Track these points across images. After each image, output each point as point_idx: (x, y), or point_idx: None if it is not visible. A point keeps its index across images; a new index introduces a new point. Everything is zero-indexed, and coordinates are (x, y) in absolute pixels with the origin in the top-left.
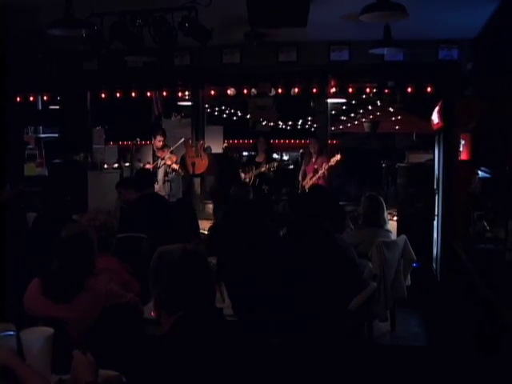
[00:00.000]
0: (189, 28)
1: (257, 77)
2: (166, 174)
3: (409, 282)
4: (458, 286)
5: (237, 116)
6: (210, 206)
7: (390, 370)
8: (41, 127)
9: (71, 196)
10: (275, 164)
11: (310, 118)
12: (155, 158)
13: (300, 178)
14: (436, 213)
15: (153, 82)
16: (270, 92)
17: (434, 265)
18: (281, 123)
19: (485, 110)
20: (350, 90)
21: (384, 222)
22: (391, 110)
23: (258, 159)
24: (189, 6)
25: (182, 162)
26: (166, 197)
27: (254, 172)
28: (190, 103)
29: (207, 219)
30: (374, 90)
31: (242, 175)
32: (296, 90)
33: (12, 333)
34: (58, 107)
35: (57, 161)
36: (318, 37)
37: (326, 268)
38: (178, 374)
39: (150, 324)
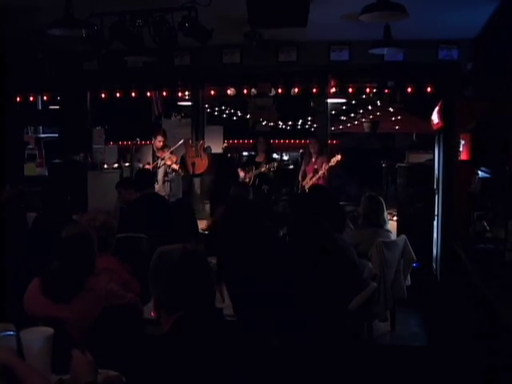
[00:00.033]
0: (189, 28)
1: (257, 77)
2: (165, 174)
3: (409, 282)
4: (458, 285)
5: (237, 116)
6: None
7: (390, 370)
8: (41, 127)
9: (71, 196)
10: (275, 164)
11: (309, 118)
12: (155, 158)
13: (300, 178)
14: (436, 213)
15: (153, 82)
16: (270, 92)
17: (434, 265)
18: (281, 123)
19: (485, 110)
20: (350, 90)
21: (384, 222)
22: (391, 110)
23: (257, 159)
24: (189, 6)
25: (182, 162)
26: (166, 197)
27: (254, 172)
28: (189, 103)
29: (207, 219)
30: (374, 90)
31: (242, 175)
32: (296, 90)
33: (12, 333)
34: (57, 107)
35: (57, 161)
36: (318, 37)
37: (325, 268)
38: (177, 374)
39: (150, 324)
